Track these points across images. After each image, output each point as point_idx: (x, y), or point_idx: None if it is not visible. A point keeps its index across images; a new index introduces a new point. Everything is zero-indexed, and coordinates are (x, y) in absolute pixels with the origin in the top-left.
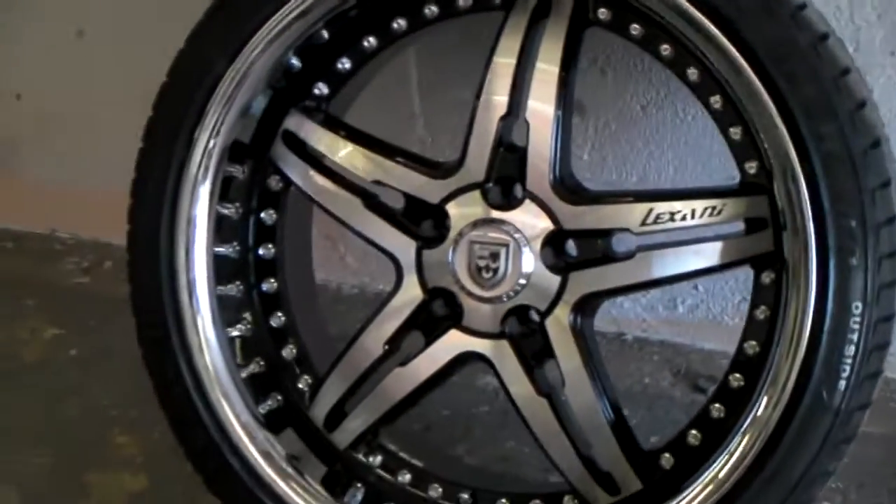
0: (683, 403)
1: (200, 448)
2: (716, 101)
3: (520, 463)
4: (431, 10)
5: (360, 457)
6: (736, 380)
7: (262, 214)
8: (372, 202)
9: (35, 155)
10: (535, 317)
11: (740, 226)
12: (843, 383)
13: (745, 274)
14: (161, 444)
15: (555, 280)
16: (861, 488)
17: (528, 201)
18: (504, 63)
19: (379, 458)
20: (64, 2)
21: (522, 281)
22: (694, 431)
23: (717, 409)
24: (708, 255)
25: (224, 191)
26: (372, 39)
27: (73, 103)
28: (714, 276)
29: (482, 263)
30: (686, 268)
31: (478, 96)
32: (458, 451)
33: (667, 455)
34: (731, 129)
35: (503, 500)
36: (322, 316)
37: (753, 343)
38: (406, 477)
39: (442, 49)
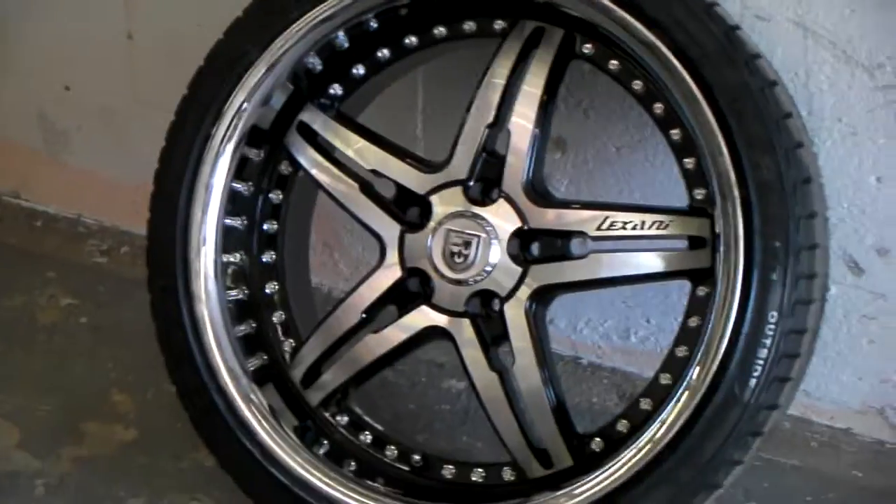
0: None
1: (191, 387)
2: (675, 133)
3: (472, 455)
4: (440, 30)
5: (329, 416)
6: (664, 378)
7: (271, 194)
8: (367, 189)
9: (78, 144)
10: (496, 301)
11: (684, 242)
12: (753, 381)
13: None
14: (153, 404)
15: (517, 271)
16: None
17: (501, 200)
18: (495, 82)
19: (346, 419)
20: (117, 8)
21: (488, 268)
22: (624, 421)
23: (645, 403)
24: (652, 263)
25: (240, 170)
26: (385, 51)
27: (117, 98)
28: (655, 284)
29: (455, 249)
30: (632, 271)
31: (468, 108)
32: (419, 440)
33: (598, 440)
34: (686, 160)
35: (450, 466)
36: (310, 290)
37: (684, 348)
38: (367, 437)
39: (447, 81)
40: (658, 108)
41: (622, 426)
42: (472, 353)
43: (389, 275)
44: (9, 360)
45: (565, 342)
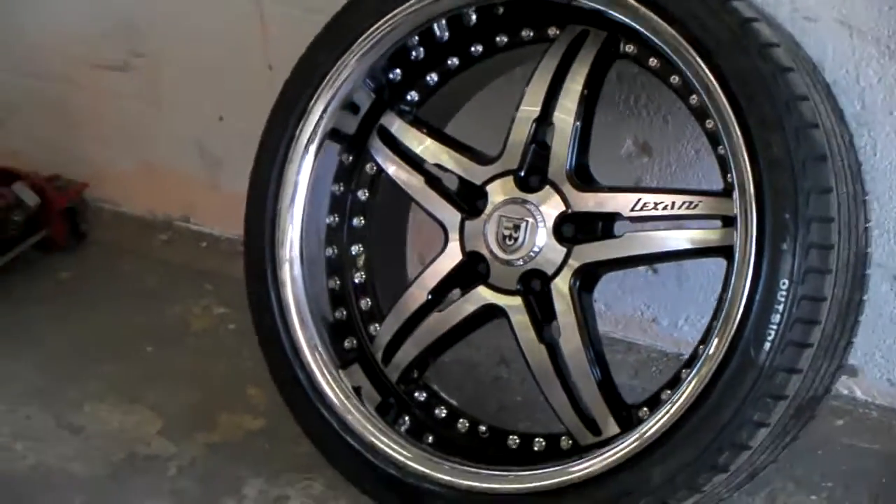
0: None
1: (278, 364)
2: (709, 122)
3: None
4: (502, 39)
5: (407, 392)
6: (701, 349)
7: (359, 192)
8: (433, 182)
9: (233, 170)
10: (544, 279)
11: (717, 222)
12: (768, 345)
13: None
14: (282, 399)
15: (561, 251)
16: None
17: (547, 187)
18: (542, 79)
19: (423, 395)
20: (256, 43)
21: (536, 249)
22: (667, 391)
23: (684, 372)
24: (684, 241)
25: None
26: (455, 59)
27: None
28: (693, 260)
29: (507, 233)
30: (664, 248)
31: (518, 105)
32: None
33: (644, 409)
34: (719, 147)
35: (514, 437)
36: (402, 280)
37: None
38: (442, 412)
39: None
40: (693, 99)
41: (665, 395)
42: (524, 329)
43: (452, 258)
44: (161, 359)
45: (668, 339)
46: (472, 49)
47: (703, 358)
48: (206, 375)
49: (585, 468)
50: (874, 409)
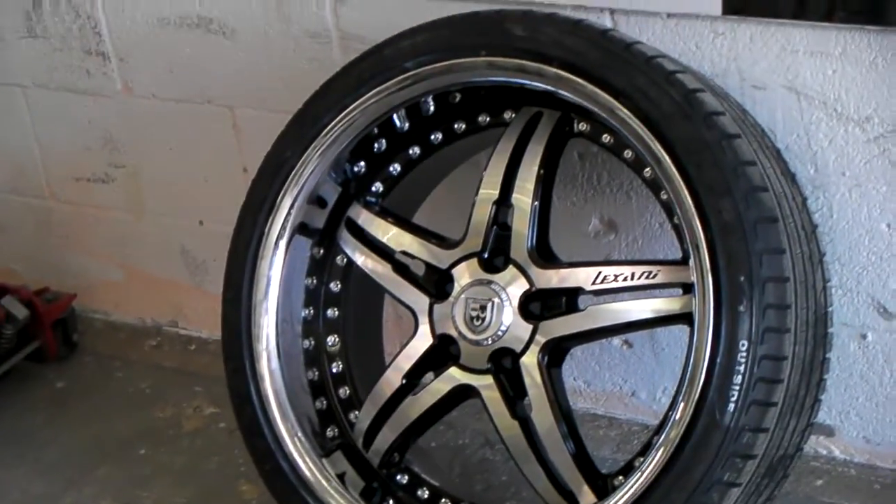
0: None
1: (261, 453)
2: (663, 193)
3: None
4: (460, 126)
5: (389, 475)
6: (668, 416)
7: (332, 284)
8: (400, 269)
9: (216, 272)
10: (513, 357)
11: (678, 291)
12: (732, 406)
13: None
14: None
15: (528, 328)
16: None
17: (511, 267)
18: (499, 162)
19: (406, 477)
20: (231, 146)
21: (503, 328)
22: (640, 458)
23: (656, 437)
24: (645, 310)
25: (306, 264)
26: (416, 148)
27: None
28: (655, 329)
29: (474, 314)
30: (627, 319)
31: (477, 190)
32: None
33: (620, 477)
34: (674, 217)
35: None
36: (379, 367)
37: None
38: (424, 493)
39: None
40: (647, 172)
41: (637, 462)
42: (496, 406)
43: (423, 341)
44: (155, 460)
45: (648, 412)
46: (432, 137)
47: (670, 422)
48: (200, 473)
49: None
50: (853, 466)
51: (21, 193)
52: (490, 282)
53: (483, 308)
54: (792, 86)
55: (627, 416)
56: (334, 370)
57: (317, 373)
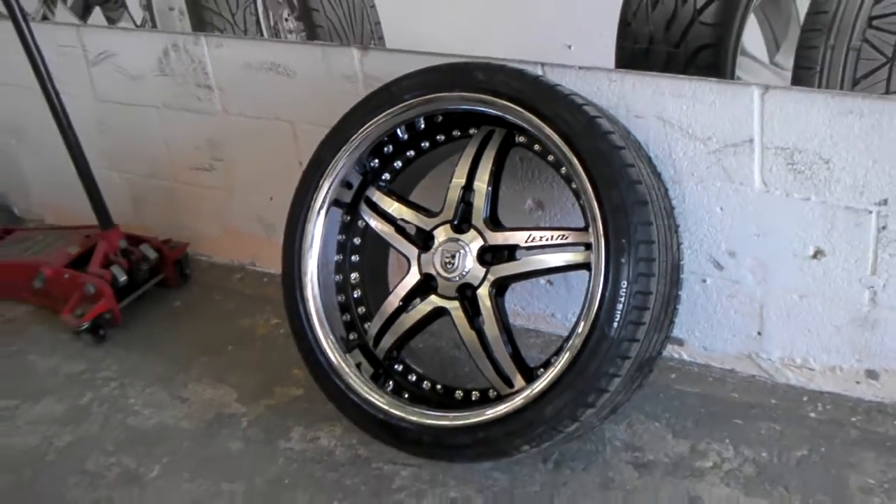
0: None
1: (306, 350)
2: (574, 184)
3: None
4: (440, 137)
5: (390, 365)
6: (573, 331)
7: (355, 239)
8: (400, 230)
9: (281, 231)
10: (472, 289)
11: (581, 248)
12: (616, 324)
13: None
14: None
15: (482, 270)
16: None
17: (472, 230)
18: (466, 161)
19: (400, 367)
20: (290, 144)
21: (466, 270)
22: (556, 356)
23: (565, 345)
24: (561, 261)
25: (338, 226)
26: (412, 152)
27: None
28: (568, 273)
29: (447, 260)
30: (548, 265)
31: (451, 178)
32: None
33: (541, 369)
34: (580, 199)
35: (459, 391)
36: (385, 292)
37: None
38: (412, 377)
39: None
40: (563, 170)
41: (553, 360)
42: (461, 321)
43: (413, 278)
44: (237, 355)
45: (562, 328)
46: (422, 144)
47: (575, 335)
48: (267, 363)
49: (503, 408)
50: (695, 366)
51: (155, 177)
52: (458, 240)
53: (453, 257)
54: (660, 116)
55: (548, 330)
56: (355, 295)
57: (343, 297)
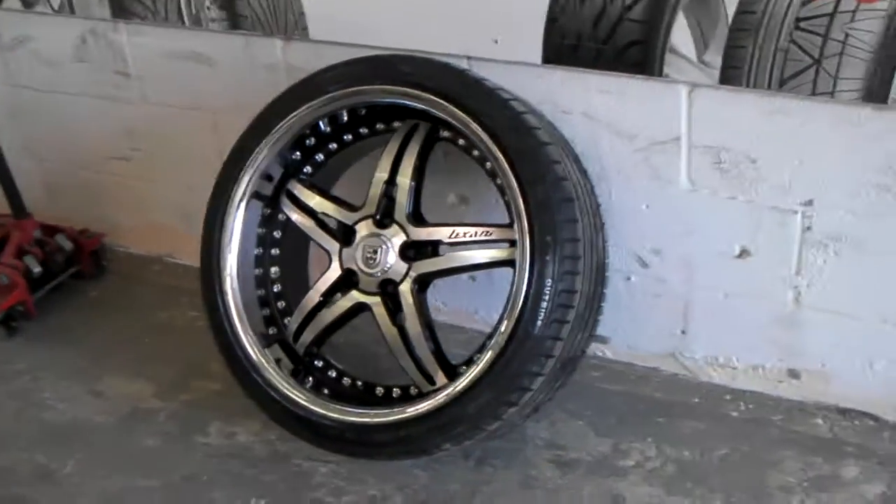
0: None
1: (225, 345)
2: (499, 180)
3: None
4: (364, 130)
5: (311, 361)
6: (496, 329)
7: (275, 233)
8: (321, 224)
9: (200, 222)
10: (394, 285)
11: (506, 245)
12: (539, 322)
13: None
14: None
15: (404, 266)
16: None
17: (394, 225)
18: (389, 155)
19: (321, 362)
20: (213, 140)
21: (388, 265)
22: (478, 354)
23: (488, 343)
24: (484, 257)
25: (258, 219)
26: (334, 144)
27: None
28: (491, 270)
29: (369, 255)
30: (471, 262)
31: (374, 173)
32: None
33: (463, 367)
34: (505, 195)
35: (380, 388)
36: (305, 286)
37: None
38: (332, 373)
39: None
40: (488, 165)
41: (476, 357)
42: (382, 317)
43: (334, 272)
44: (155, 347)
45: (484, 324)
46: (345, 137)
47: (498, 333)
48: (184, 356)
49: (425, 406)
50: (619, 365)
51: (72, 166)
52: (380, 235)
53: (375, 252)
54: (588, 113)
55: (471, 326)
56: (275, 290)
57: (263, 291)
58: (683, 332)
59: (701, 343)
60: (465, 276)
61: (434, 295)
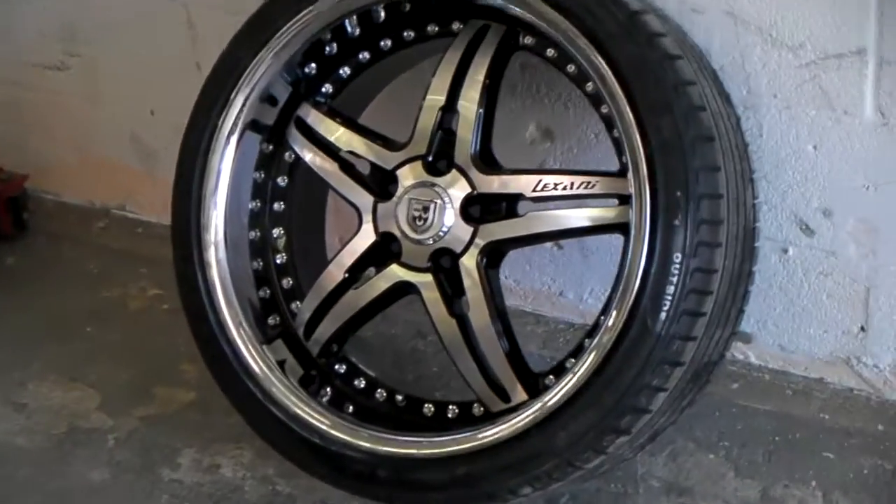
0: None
1: (205, 338)
2: (604, 108)
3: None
4: (409, 34)
5: (330, 364)
6: (603, 318)
7: (279, 179)
8: (346, 168)
9: (167, 161)
10: (452, 257)
11: (614, 201)
12: (664, 315)
13: None
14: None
15: (468, 230)
16: None
17: (454, 171)
18: (447, 70)
19: (344, 367)
20: (187, 45)
21: (444, 229)
22: (571, 359)
23: (587, 341)
24: (583, 219)
25: (255, 159)
26: (366, 54)
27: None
28: (593, 237)
29: (416, 214)
30: (564, 226)
31: (425, 95)
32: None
33: (551, 376)
34: (614, 130)
35: (429, 405)
36: (322, 260)
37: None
38: (361, 383)
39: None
40: (589, 86)
41: (569, 363)
42: (435, 303)
43: (366, 238)
44: (100, 338)
45: (574, 311)
46: (382, 44)
47: (603, 328)
48: (143, 353)
49: (495, 433)
50: (767, 372)
51: None
52: (433, 184)
53: (426, 209)
54: (730, 10)
55: (554, 314)
56: (278, 261)
57: (261, 263)
58: (863, 328)
59: (888, 345)
60: (548, 243)
61: (502, 269)
